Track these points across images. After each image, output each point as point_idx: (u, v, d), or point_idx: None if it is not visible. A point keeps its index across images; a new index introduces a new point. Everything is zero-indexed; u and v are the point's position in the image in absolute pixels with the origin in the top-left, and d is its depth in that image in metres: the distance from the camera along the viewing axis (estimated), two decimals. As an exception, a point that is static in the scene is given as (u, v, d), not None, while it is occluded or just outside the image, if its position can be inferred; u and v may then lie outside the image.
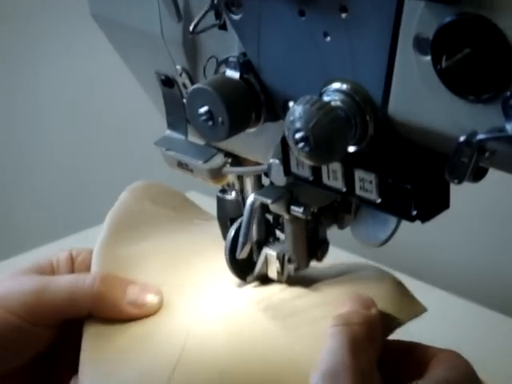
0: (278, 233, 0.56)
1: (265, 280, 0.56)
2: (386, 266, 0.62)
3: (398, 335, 0.55)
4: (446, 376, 0.47)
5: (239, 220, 0.55)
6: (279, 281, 0.55)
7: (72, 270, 0.58)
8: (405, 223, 0.46)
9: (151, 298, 0.54)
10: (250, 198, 0.53)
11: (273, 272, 0.55)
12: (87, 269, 0.57)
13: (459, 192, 0.46)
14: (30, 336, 0.54)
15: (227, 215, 0.57)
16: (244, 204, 0.54)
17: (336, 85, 0.43)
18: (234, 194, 0.57)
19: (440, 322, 0.88)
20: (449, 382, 0.47)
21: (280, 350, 0.50)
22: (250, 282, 0.56)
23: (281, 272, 0.54)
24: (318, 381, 0.45)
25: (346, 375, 0.45)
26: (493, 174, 0.43)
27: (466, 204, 0.91)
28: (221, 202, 0.57)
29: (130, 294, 0.54)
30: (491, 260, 1.01)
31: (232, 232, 0.55)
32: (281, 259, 0.54)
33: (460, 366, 0.48)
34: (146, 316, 0.53)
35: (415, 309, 0.54)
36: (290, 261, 0.54)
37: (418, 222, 0.44)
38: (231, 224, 0.56)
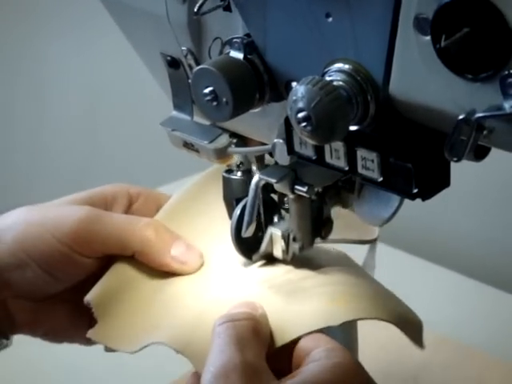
0: (282, 212, 0.57)
1: (270, 259, 0.56)
2: (388, 244, 0.62)
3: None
4: (316, 375, 0.46)
5: (245, 200, 0.55)
6: (284, 259, 0.56)
7: (126, 213, 0.59)
8: (407, 202, 0.47)
9: (194, 259, 0.57)
10: (255, 178, 0.54)
11: (278, 251, 0.55)
12: (142, 215, 0.59)
13: (463, 170, 0.46)
14: (74, 264, 0.56)
15: (233, 195, 0.58)
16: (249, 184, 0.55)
17: (338, 65, 0.43)
18: (239, 173, 0.57)
19: (441, 300, 0.89)
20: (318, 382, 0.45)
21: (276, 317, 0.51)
22: (255, 261, 0.57)
23: (286, 251, 0.55)
24: (210, 380, 0.45)
25: (236, 371, 0.45)
26: (497, 153, 0.44)
27: (467, 182, 0.92)
28: (226, 182, 0.58)
29: (176, 248, 0.56)
30: (494, 237, 1.01)
31: (238, 211, 0.56)
32: (286, 238, 0.55)
33: (335, 365, 0.46)
34: (183, 274, 0.56)
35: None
36: (294, 240, 0.55)
37: (420, 200, 0.45)
38: (237, 204, 0.56)
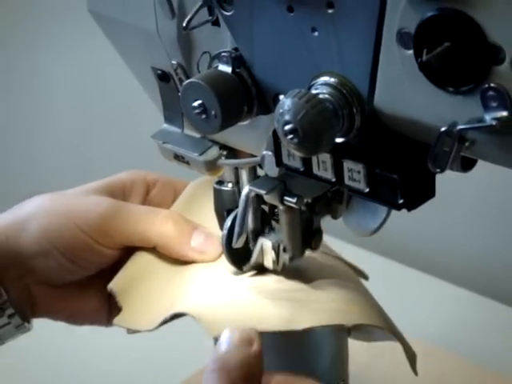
0: (273, 223, 0.57)
1: (261, 270, 0.57)
2: (379, 254, 0.63)
3: (398, 315, 0.57)
4: None
5: (235, 211, 0.56)
6: (275, 270, 0.56)
7: (144, 200, 0.61)
8: (396, 213, 0.48)
9: (213, 248, 0.58)
10: (245, 189, 0.54)
11: (268, 261, 0.56)
12: (159, 203, 0.61)
13: (454, 181, 0.47)
14: (96, 254, 0.58)
15: (224, 206, 0.58)
16: (240, 195, 0.56)
17: (324, 78, 0.44)
18: (230, 185, 0.58)
19: (436, 311, 0.89)
20: None
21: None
22: (246, 272, 0.57)
23: (276, 261, 0.56)
24: None
25: None
26: (486, 165, 0.44)
27: (462, 194, 0.92)
28: (217, 193, 0.59)
29: (195, 239, 0.58)
30: (488, 248, 1.02)
31: (228, 222, 0.56)
32: (276, 249, 0.55)
33: None
34: (203, 262, 0.58)
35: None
36: (284, 250, 0.55)
37: (416, 212, 0.45)
38: (228, 215, 0.57)
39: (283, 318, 0.52)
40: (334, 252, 0.61)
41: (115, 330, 0.59)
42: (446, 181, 0.46)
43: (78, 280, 0.59)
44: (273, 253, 0.56)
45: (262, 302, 0.54)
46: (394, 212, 0.48)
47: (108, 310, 0.60)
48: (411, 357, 0.56)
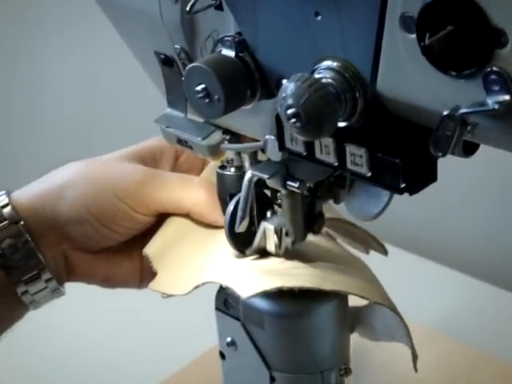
0: (275, 207, 0.57)
1: (263, 254, 0.57)
2: (381, 238, 0.63)
3: (398, 302, 0.57)
4: None
5: (238, 195, 0.56)
6: (277, 254, 0.57)
7: (174, 166, 0.63)
8: (398, 197, 0.48)
9: None
10: (248, 174, 0.55)
11: (271, 245, 0.56)
12: (188, 168, 0.63)
13: (452, 165, 0.47)
14: (132, 221, 0.60)
15: (226, 191, 0.59)
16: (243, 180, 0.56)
17: (327, 62, 0.44)
18: (233, 169, 0.58)
19: (434, 296, 0.89)
20: None
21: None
22: (248, 256, 0.58)
23: (278, 245, 0.56)
24: None
25: None
26: (493, 150, 0.44)
27: (463, 179, 0.92)
28: (220, 178, 0.59)
29: None
30: (487, 233, 1.02)
31: (231, 207, 0.57)
32: (278, 233, 0.56)
33: None
34: None
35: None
36: (287, 234, 0.56)
37: (416, 197, 0.46)
38: (230, 199, 0.57)
39: (317, 276, 0.53)
40: (347, 220, 0.62)
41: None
42: (445, 165, 0.46)
43: (112, 245, 0.61)
44: (275, 237, 0.56)
45: (289, 265, 0.55)
46: (397, 198, 0.48)
47: (140, 273, 0.63)
48: (414, 357, 0.57)
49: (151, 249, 0.60)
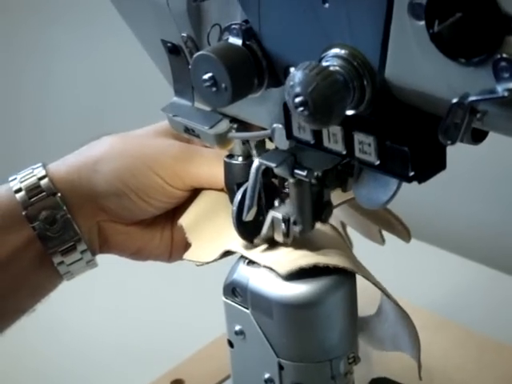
0: (283, 196, 0.57)
1: (271, 243, 0.57)
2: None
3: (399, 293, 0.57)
4: None
5: (246, 184, 0.56)
6: (285, 243, 0.56)
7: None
8: (407, 185, 0.47)
9: None
10: (255, 163, 0.54)
11: (279, 235, 0.56)
12: None
13: (453, 149, 0.47)
14: (168, 195, 0.61)
15: (234, 180, 0.58)
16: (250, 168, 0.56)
17: (335, 50, 0.44)
18: (240, 159, 0.58)
19: (435, 280, 0.89)
20: None
21: None
22: (256, 245, 0.57)
23: (286, 234, 0.56)
24: None
25: None
26: (498, 137, 0.44)
27: (466, 165, 0.92)
28: (228, 167, 0.59)
29: None
30: (487, 217, 1.02)
31: (239, 196, 0.56)
32: (286, 222, 0.56)
33: None
34: None
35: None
36: (295, 223, 0.56)
37: (417, 183, 0.45)
38: (238, 188, 0.57)
39: (348, 257, 0.54)
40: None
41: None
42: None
43: (146, 219, 0.63)
44: (283, 226, 0.56)
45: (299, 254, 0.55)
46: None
47: (170, 247, 0.64)
48: (419, 367, 0.58)
49: (186, 220, 0.61)
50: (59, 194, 0.60)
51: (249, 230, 0.57)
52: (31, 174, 0.60)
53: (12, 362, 0.84)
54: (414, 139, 0.44)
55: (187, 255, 0.60)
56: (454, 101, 0.39)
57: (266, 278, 0.55)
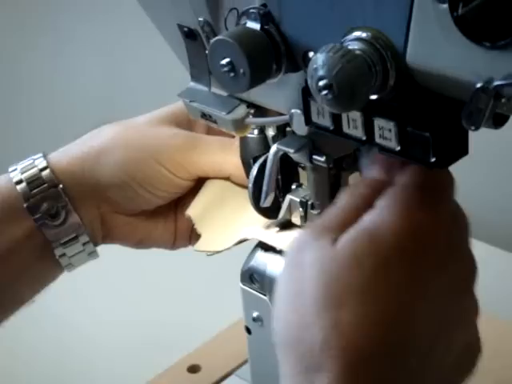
0: (301, 179, 0.57)
1: (289, 225, 0.57)
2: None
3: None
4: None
5: (262, 158, 0.56)
6: (303, 226, 0.56)
7: (208, 128, 0.63)
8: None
9: None
10: (273, 148, 0.54)
11: (296, 218, 0.56)
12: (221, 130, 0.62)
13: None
14: (173, 185, 0.61)
15: (250, 154, 0.58)
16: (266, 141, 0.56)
17: (357, 33, 0.43)
18: (256, 132, 0.57)
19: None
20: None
21: None
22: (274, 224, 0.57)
23: (304, 218, 0.55)
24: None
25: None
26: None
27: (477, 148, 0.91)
28: (243, 141, 0.58)
29: None
30: (483, 194, 1.01)
31: (254, 171, 0.56)
32: (304, 206, 0.55)
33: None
34: None
35: None
36: (313, 207, 0.55)
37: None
38: (254, 162, 0.57)
39: None
40: None
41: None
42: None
43: (154, 208, 0.62)
44: (301, 210, 0.55)
45: None
46: None
47: (174, 235, 0.63)
48: None
49: (193, 211, 0.61)
50: (61, 186, 0.59)
51: (266, 211, 0.57)
52: (32, 165, 0.59)
53: (15, 359, 0.84)
54: (436, 124, 0.43)
55: (198, 246, 0.60)
56: (478, 85, 0.38)
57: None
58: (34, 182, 0.59)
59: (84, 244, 0.60)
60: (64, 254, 0.60)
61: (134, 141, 0.60)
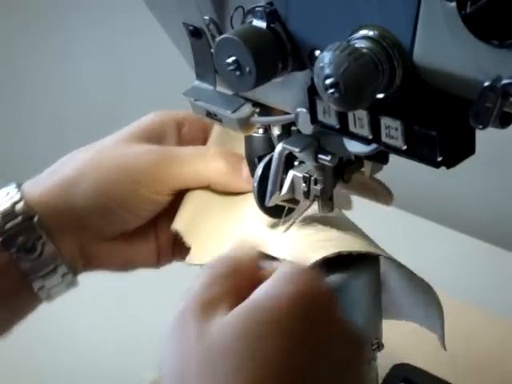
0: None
1: (292, 201, 0.56)
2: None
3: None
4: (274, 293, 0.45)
5: (267, 157, 0.55)
6: (305, 202, 0.55)
7: (179, 140, 0.62)
8: (408, 164, 0.46)
9: None
10: (278, 147, 0.54)
11: (299, 194, 0.55)
12: (192, 139, 0.62)
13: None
14: (151, 202, 0.59)
15: (255, 153, 0.58)
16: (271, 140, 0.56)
17: (363, 32, 0.43)
18: (261, 131, 0.57)
19: (436, 256, 0.89)
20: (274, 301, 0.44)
21: None
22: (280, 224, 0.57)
23: (307, 194, 0.55)
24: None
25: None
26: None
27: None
28: (248, 140, 0.58)
29: (245, 169, 0.59)
30: (488, 194, 1.01)
31: (259, 171, 0.56)
32: (307, 181, 0.54)
33: (298, 282, 0.45)
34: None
35: None
36: (316, 183, 0.54)
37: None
38: (259, 162, 0.56)
39: (363, 241, 0.53)
40: None
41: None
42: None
43: (135, 228, 0.61)
44: (303, 185, 0.55)
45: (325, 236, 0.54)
46: (398, 160, 0.47)
47: (157, 253, 0.62)
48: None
49: (180, 224, 0.59)
50: (36, 218, 0.57)
51: (271, 211, 0.56)
52: (6, 198, 0.58)
53: (14, 362, 0.84)
54: (443, 123, 0.43)
55: (190, 259, 0.58)
56: (486, 84, 0.38)
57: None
58: (8, 215, 0.57)
59: (63, 275, 0.59)
60: (43, 287, 0.59)
61: (108, 162, 0.58)
